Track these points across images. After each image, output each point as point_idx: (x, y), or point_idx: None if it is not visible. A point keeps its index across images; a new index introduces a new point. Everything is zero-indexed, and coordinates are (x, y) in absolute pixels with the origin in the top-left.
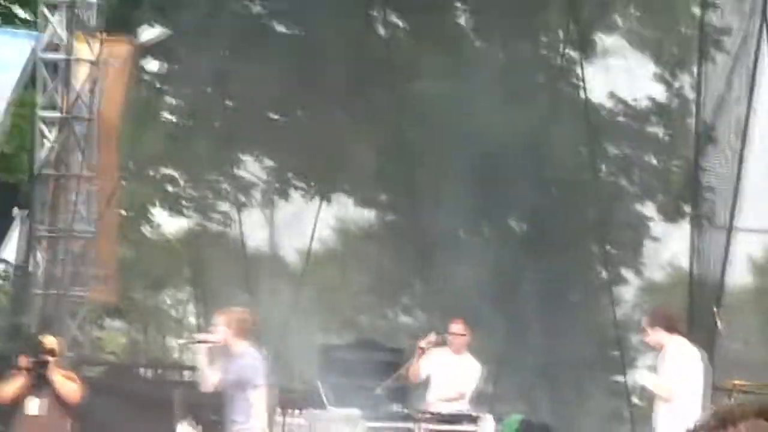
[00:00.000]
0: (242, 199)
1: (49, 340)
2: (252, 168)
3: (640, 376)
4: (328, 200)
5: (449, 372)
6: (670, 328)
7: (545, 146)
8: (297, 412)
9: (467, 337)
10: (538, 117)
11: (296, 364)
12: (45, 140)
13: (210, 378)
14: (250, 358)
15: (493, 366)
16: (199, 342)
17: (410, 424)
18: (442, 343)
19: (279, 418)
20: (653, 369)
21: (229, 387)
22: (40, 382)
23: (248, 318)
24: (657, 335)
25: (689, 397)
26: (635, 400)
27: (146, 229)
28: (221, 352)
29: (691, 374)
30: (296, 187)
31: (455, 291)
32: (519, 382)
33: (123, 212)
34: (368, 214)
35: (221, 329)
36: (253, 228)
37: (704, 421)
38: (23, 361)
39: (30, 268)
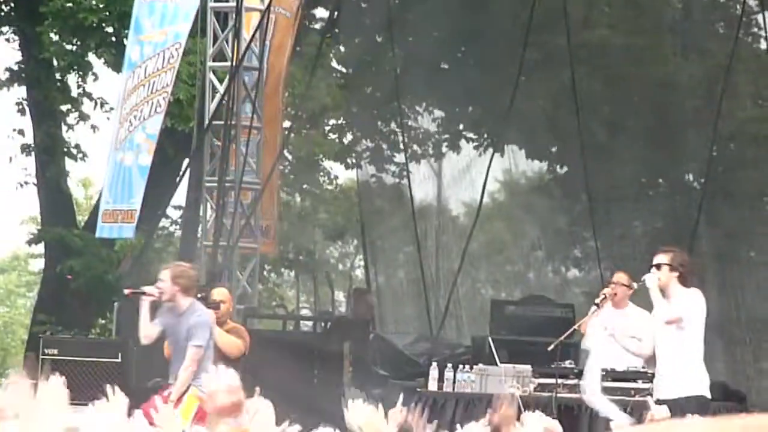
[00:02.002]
0: (416, 150)
1: (218, 292)
2: (422, 119)
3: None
4: (501, 152)
5: (617, 326)
6: (686, 280)
7: (723, 98)
8: (467, 367)
9: (631, 289)
10: (717, 67)
11: (466, 319)
12: (215, 91)
13: (148, 330)
14: (197, 315)
15: None
16: (143, 294)
17: (582, 381)
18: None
19: (449, 374)
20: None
21: (174, 343)
22: None
23: (196, 274)
24: (671, 280)
25: (696, 335)
26: None
27: (319, 180)
28: (168, 308)
29: (699, 316)
30: (467, 139)
31: (629, 245)
32: None
33: (289, 160)
34: (538, 166)
35: (167, 284)
36: (421, 180)
37: None
38: None
39: (199, 219)
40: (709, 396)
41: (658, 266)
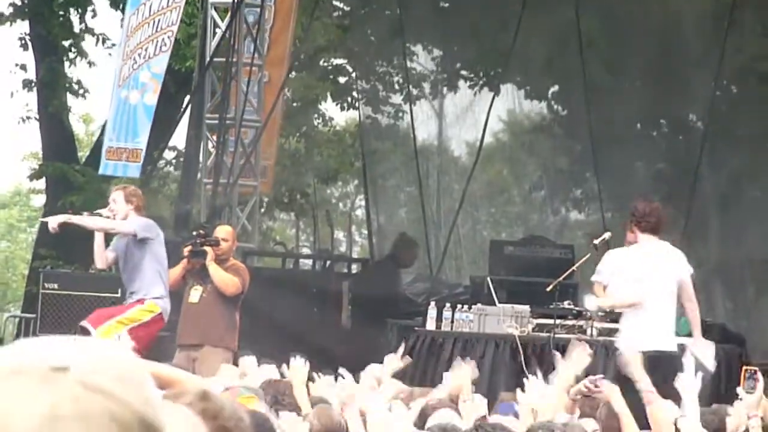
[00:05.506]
0: (413, 91)
1: (222, 230)
2: (422, 59)
3: None
4: (497, 92)
5: None
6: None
7: (728, 36)
8: (465, 307)
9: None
10: (721, 8)
11: (465, 259)
12: (216, 28)
13: (102, 255)
14: (143, 221)
15: None
16: (100, 216)
17: (581, 322)
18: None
19: (447, 313)
20: None
21: (126, 263)
22: (203, 272)
23: (143, 194)
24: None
25: None
26: None
27: (316, 121)
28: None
29: None
30: (465, 78)
31: (630, 186)
32: (696, 280)
33: (293, 103)
34: (540, 106)
35: (121, 204)
36: (423, 120)
37: None
38: (185, 250)
39: (199, 157)
40: None
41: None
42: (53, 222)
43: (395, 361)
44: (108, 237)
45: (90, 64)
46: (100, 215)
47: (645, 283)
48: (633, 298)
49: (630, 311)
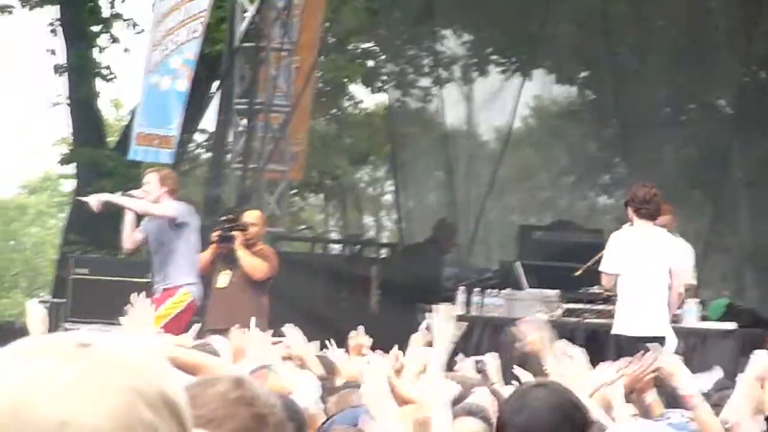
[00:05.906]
0: (442, 74)
1: (250, 215)
2: (451, 42)
3: None
4: (529, 77)
5: None
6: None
7: (755, 24)
8: (494, 291)
9: None
10: None
11: (494, 244)
12: (245, 12)
13: (130, 236)
14: (183, 206)
15: (699, 249)
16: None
17: (610, 306)
18: None
19: (476, 298)
20: None
21: (157, 246)
22: (231, 257)
23: (177, 177)
24: None
25: None
26: None
27: (346, 104)
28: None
29: None
30: (495, 63)
31: (659, 171)
32: (726, 266)
33: (323, 85)
34: (568, 91)
35: (155, 186)
36: (451, 105)
37: None
38: (214, 234)
39: (228, 141)
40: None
41: None
42: (93, 200)
43: (419, 338)
44: (140, 218)
45: (126, 50)
46: (132, 196)
47: (636, 270)
48: (607, 282)
49: (622, 298)
